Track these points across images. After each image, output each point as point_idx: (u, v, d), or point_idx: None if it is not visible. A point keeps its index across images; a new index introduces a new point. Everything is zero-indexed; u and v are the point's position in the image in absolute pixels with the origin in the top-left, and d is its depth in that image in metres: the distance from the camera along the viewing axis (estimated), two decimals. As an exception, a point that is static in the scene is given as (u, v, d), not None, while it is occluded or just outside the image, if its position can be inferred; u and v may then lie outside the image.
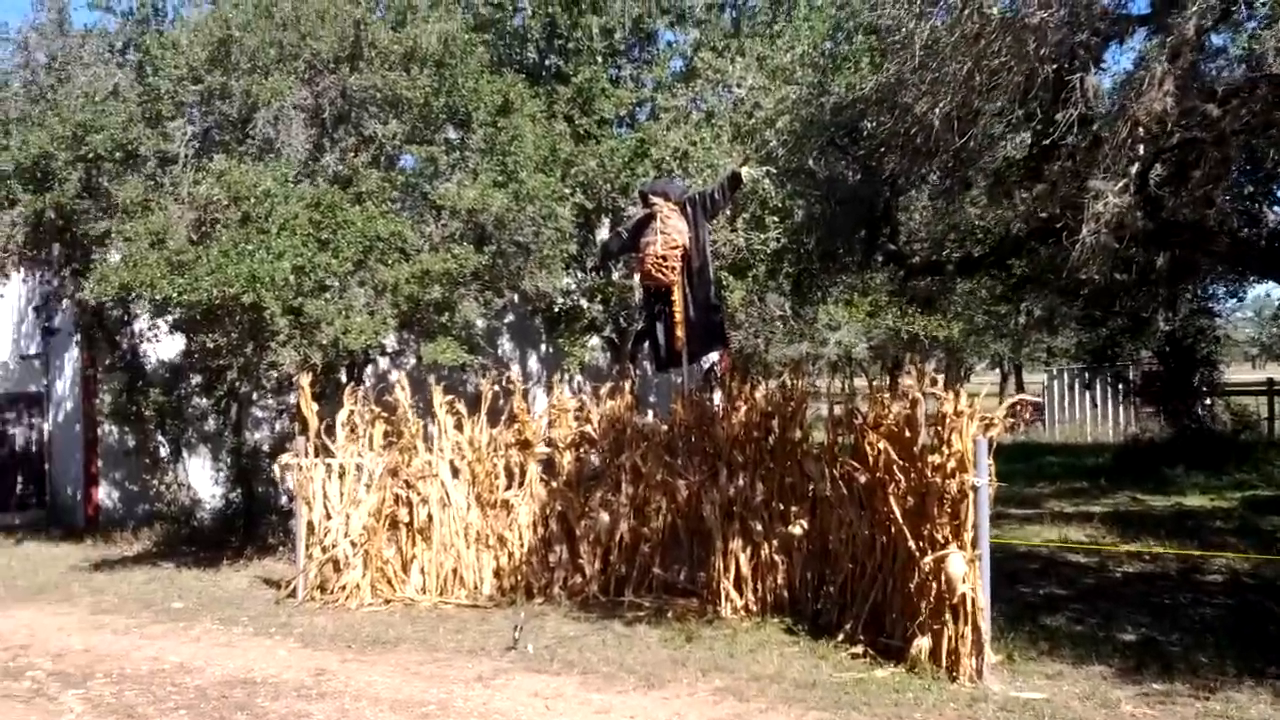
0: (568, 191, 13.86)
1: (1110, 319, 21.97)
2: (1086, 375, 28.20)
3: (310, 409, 11.41)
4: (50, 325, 16.86)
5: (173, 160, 12.91)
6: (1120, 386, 25.91)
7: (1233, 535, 13.00)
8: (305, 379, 11.49)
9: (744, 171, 10.26)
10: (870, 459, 8.82)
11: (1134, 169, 7.82)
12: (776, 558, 9.83)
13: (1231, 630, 8.68)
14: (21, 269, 15.42)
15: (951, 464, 7.76)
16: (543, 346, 21.42)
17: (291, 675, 8.21)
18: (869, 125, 9.85)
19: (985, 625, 7.60)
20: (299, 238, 11.83)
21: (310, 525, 11.26)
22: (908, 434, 8.35)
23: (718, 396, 10.61)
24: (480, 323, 14.20)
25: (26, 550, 15.45)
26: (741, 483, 10.04)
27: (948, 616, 7.71)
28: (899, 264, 11.56)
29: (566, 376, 18.03)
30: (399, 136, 13.87)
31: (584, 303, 18.11)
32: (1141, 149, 7.99)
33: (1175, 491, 17.17)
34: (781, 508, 9.85)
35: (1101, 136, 8.02)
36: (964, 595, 7.57)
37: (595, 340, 19.21)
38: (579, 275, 17.64)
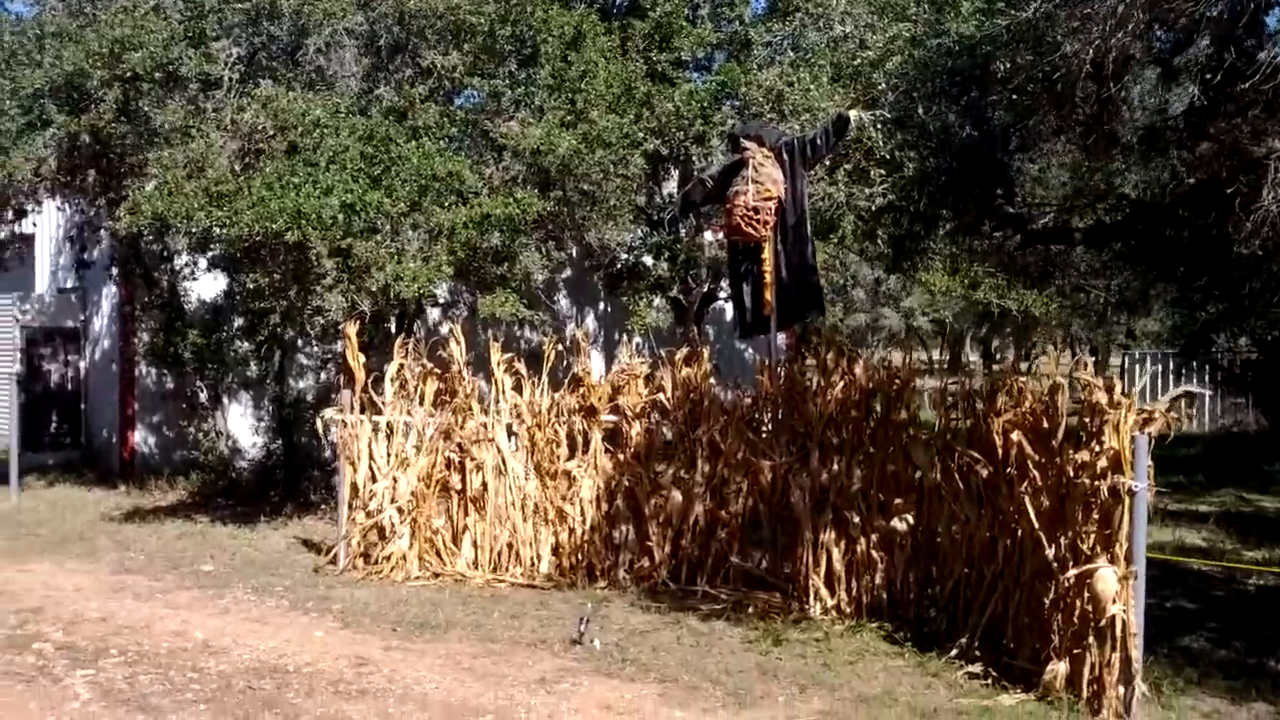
0: (641, 136, 12.65)
1: (1210, 301, 20.58)
2: (1172, 361, 26.78)
3: (357, 360, 10.39)
4: (85, 258, 15.93)
5: (216, 84, 11.83)
6: (1215, 374, 24.45)
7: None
8: (352, 328, 10.45)
9: (852, 115, 9.04)
10: (997, 450, 7.66)
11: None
12: (875, 554, 8.71)
13: None
14: (57, 196, 14.49)
15: (1103, 463, 6.59)
16: (601, 305, 20.29)
17: (328, 664, 7.22)
18: (1002, 66, 8.56)
19: (1137, 654, 6.45)
20: (349, 173, 10.75)
21: (354, 487, 10.28)
22: (1046, 425, 7.18)
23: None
24: (538, 276, 13.07)
25: (56, 495, 14.65)
26: (836, 468, 8.91)
27: (1091, 640, 6.57)
28: (1017, 229, 10.32)
29: (629, 338, 16.95)
30: (460, 69, 12.74)
31: (648, 259, 16.95)
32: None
33: (1282, 491, 15.90)
34: (882, 499, 8.72)
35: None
36: (1113, 617, 6.43)
37: (658, 301, 18.07)
38: (645, 230, 16.46)
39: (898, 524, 8.57)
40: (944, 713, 6.49)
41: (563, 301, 19.61)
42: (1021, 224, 10.42)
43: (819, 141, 9.17)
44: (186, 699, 6.51)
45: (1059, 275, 13.18)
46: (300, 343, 14.16)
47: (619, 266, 16.76)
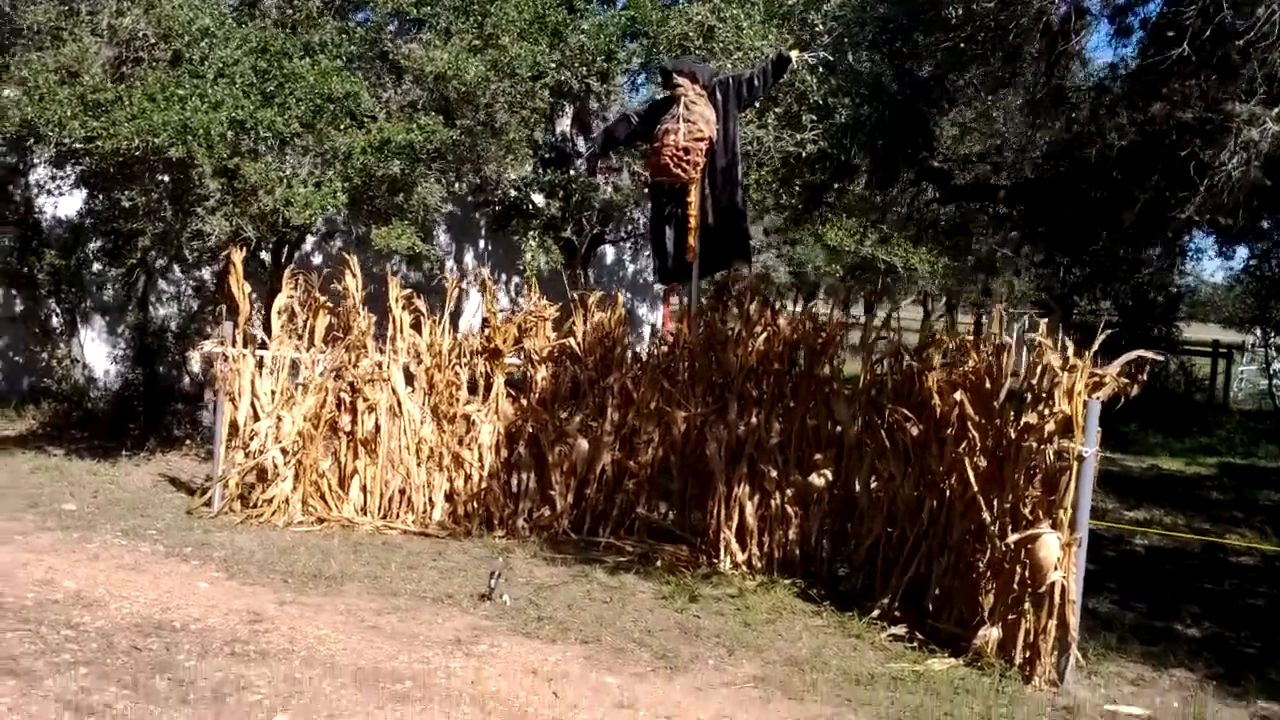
0: (553, 67, 12.05)
1: (1077, 265, 21.11)
2: (1026, 321, 27.49)
3: (242, 290, 9.63)
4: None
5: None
6: (1074, 336, 25.16)
7: (1238, 509, 12.14)
8: (238, 254, 9.66)
9: (794, 56, 8.67)
10: (933, 409, 7.48)
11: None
12: (789, 509, 8.49)
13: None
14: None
15: (1050, 426, 6.45)
16: (481, 243, 19.62)
17: (219, 620, 6.62)
18: (954, 12, 8.24)
19: (1074, 620, 6.37)
20: (239, 88, 9.91)
21: (234, 425, 9.57)
22: (988, 385, 7.02)
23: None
24: (440, 209, 12.41)
25: (-117, 421, 13.40)
26: (755, 420, 8.65)
27: (1027, 606, 6.46)
28: (940, 184, 10.14)
29: (515, 279, 16.39)
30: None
31: (538, 198, 16.39)
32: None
33: (1143, 451, 16.42)
34: (801, 454, 8.51)
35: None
36: (1053, 584, 6.32)
37: (549, 242, 17.48)
38: (538, 167, 15.83)
39: (815, 479, 8.37)
40: (879, 678, 6.30)
41: (442, 238, 18.88)
42: (944, 179, 10.26)
43: (756, 81, 8.79)
44: (64, 660, 5.85)
45: (978, 233, 13.11)
46: (164, 268, 13.18)
47: (507, 204, 16.17)
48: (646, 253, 23.87)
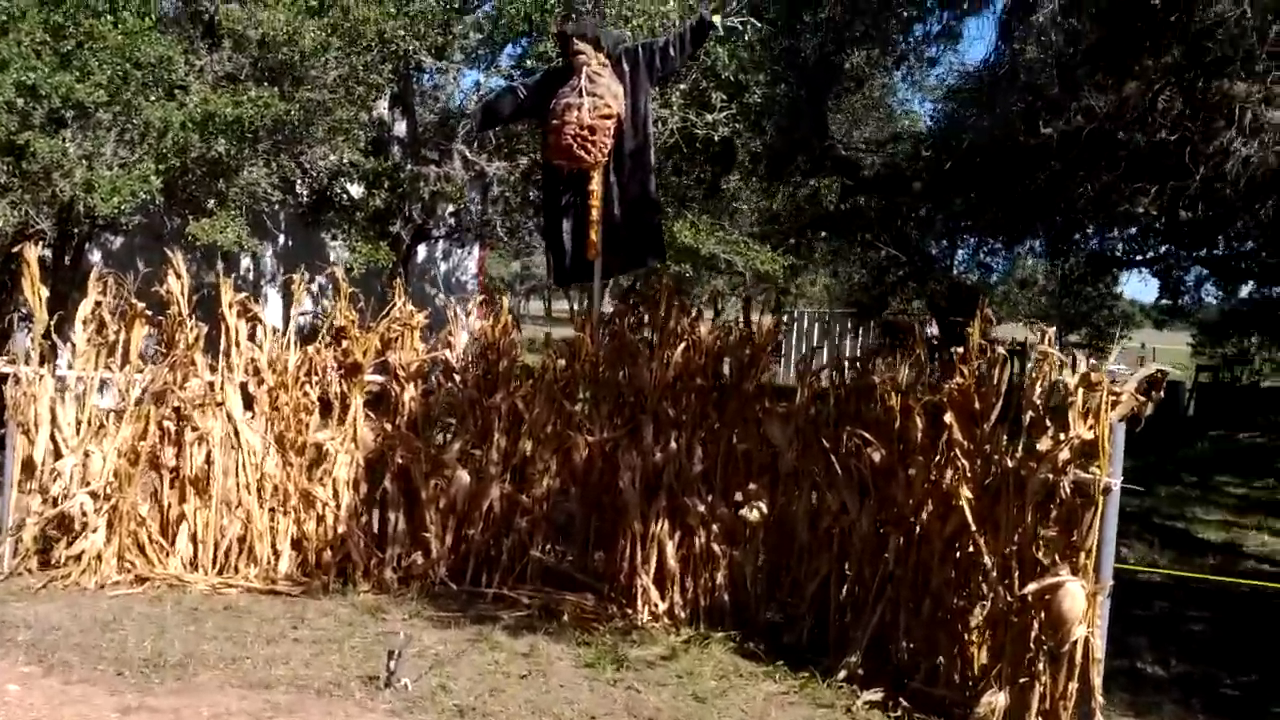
0: (400, 35, 10.51)
1: (896, 266, 21.09)
2: (836, 323, 27.92)
3: (38, 295, 7.77)
4: None
5: None
6: (884, 336, 25.25)
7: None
8: (32, 251, 7.78)
9: (717, 20, 7.49)
10: (898, 430, 6.48)
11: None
12: (717, 549, 7.35)
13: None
14: None
15: (1065, 454, 5.52)
16: (281, 238, 17.59)
17: (35, 742, 4.98)
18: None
19: (1098, 682, 5.45)
20: (28, 46, 8.04)
21: (29, 464, 7.71)
22: (977, 405, 6.05)
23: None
24: (271, 197, 10.69)
25: None
26: (674, 446, 7.47)
27: (1042, 666, 5.51)
28: (849, 175, 9.19)
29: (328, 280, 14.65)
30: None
31: (352, 188, 14.74)
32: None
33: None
34: (729, 483, 7.38)
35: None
36: (1076, 641, 5.39)
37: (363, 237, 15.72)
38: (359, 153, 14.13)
39: (748, 513, 7.24)
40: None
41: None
42: (855, 170, 9.33)
43: (671, 51, 7.56)
44: None
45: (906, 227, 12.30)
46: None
47: (318, 194, 14.44)
48: (464, 250, 22.39)
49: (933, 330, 22.58)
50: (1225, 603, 8.43)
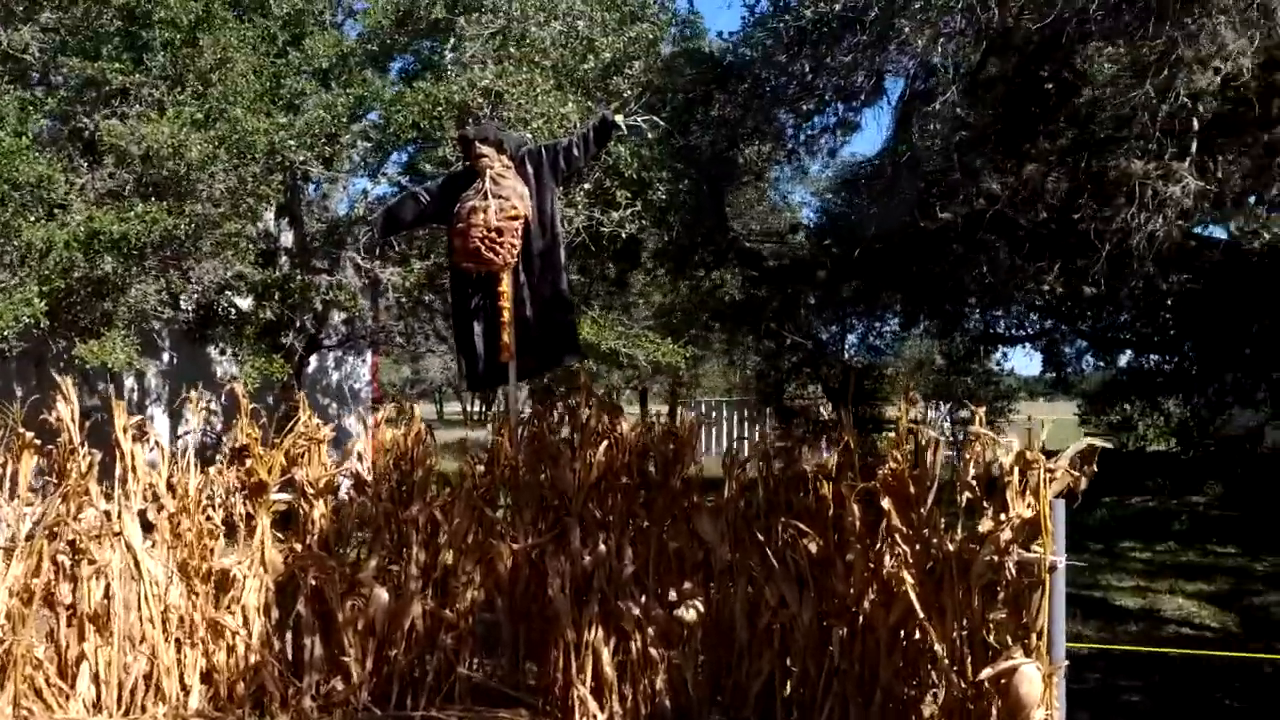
0: (290, 145, 10.29)
1: (788, 352, 21.43)
2: (734, 410, 28.28)
3: (-86, 429, 7.29)
4: None
5: None
6: (786, 421, 25.59)
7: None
8: (-94, 384, 7.31)
9: (620, 120, 7.47)
10: (832, 520, 6.38)
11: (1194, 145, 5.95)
12: (654, 652, 7.11)
13: None
14: None
15: (1007, 534, 5.48)
16: (166, 355, 17.00)
17: None
18: (770, 75, 7.36)
19: (1060, 768, 5.36)
20: (-103, 167, 7.65)
21: (-95, 612, 7.13)
22: (913, 489, 5.99)
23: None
24: (161, 315, 10.29)
25: None
26: (603, 547, 7.25)
27: (1002, 755, 5.40)
28: (752, 265, 9.21)
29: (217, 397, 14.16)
30: (33, 48, 9.81)
31: (239, 301, 14.33)
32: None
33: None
34: (661, 583, 7.18)
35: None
36: (1038, 724, 5.29)
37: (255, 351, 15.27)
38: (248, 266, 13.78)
39: (684, 613, 7.05)
40: None
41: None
42: (757, 260, 9.38)
43: (575, 151, 7.51)
44: None
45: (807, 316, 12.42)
46: None
47: (203, 309, 14.01)
48: (356, 357, 21.99)
49: (827, 413, 22.90)
50: (1154, 670, 8.48)
